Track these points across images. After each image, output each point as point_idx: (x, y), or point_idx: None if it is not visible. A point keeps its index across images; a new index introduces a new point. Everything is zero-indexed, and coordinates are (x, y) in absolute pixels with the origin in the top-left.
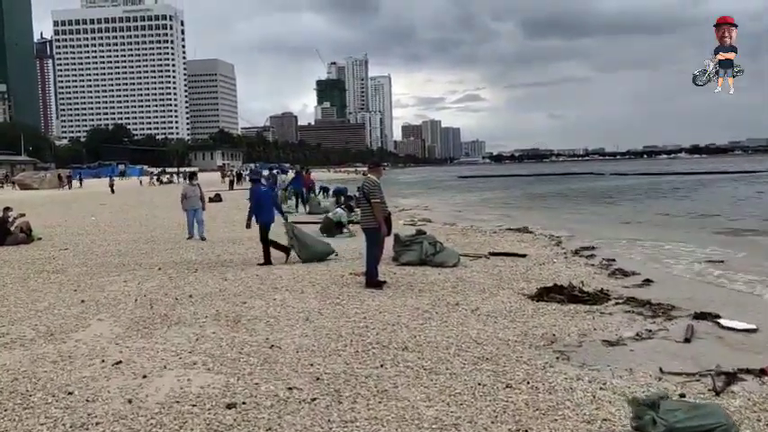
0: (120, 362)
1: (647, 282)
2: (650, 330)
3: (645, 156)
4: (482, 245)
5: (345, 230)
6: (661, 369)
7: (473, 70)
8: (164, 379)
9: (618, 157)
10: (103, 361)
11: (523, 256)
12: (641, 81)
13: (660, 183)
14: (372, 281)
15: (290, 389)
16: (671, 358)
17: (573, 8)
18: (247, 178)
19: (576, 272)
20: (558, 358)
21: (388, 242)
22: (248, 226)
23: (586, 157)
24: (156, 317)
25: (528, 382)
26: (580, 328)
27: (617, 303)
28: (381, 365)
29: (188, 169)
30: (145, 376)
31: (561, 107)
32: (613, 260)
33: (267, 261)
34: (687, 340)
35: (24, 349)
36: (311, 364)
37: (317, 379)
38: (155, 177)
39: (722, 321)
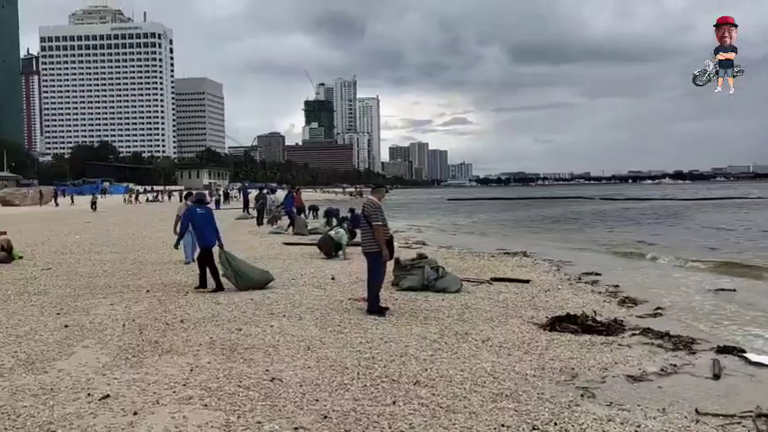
0: (108, 396)
1: (659, 310)
2: (675, 365)
3: (630, 180)
4: (482, 269)
5: (341, 253)
6: (697, 410)
7: (461, 94)
8: (156, 416)
9: (603, 181)
10: (89, 395)
11: (527, 281)
12: (627, 108)
13: (653, 207)
14: (375, 307)
15: (295, 429)
16: (703, 397)
17: (560, 35)
18: (188, 200)
19: (584, 299)
20: (582, 395)
21: (389, 266)
22: (176, 246)
23: (572, 181)
24: (146, 344)
25: (555, 423)
26: (600, 361)
27: (633, 334)
28: (393, 402)
29: (172, 188)
30: (135, 413)
31: (548, 131)
32: (617, 286)
33: (202, 284)
34: (716, 376)
35: (2, 379)
36: (317, 400)
37: (325, 417)
38: (133, 195)
39: (749, 356)
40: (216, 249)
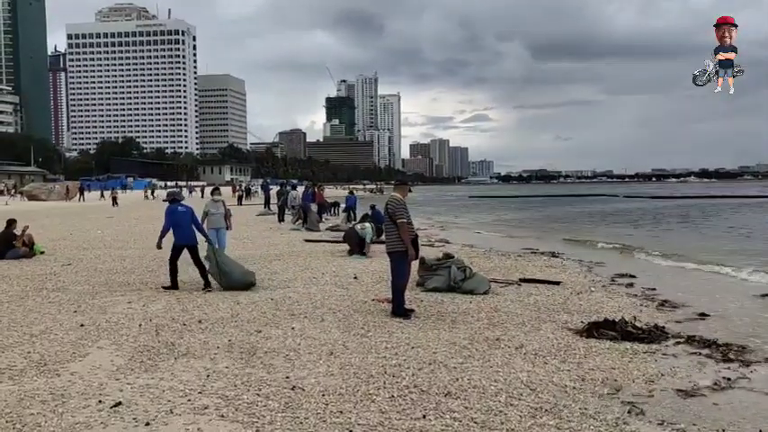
0: (120, 403)
1: (703, 316)
2: (728, 379)
3: (654, 179)
4: (509, 270)
5: (364, 252)
6: None
7: (482, 90)
8: (169, 427)
9: (626, 179)
10: (101, 401)
11: (558, 283)
12: (650, 105)
13: (678, 206)
14: (400, 310)
15: None
16: (767, 416)
17: (582, 31)
18: (165, 197)
19: (619, 303)
20: (629, 412)
21: (413, 266)
22: (159, 246)
23: (594, 179)
24: (162, 346)
25: None
26: (644, 372)
27: (678, 342)
28: (424, 416)
29: (194, 183)
30: (148, 423)
31: (570, 129)
32: (654, 289)
33: (173, 285)
34: None
35: (13, 383)
36: (341, 412)
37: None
38: (148, 190)
39: None
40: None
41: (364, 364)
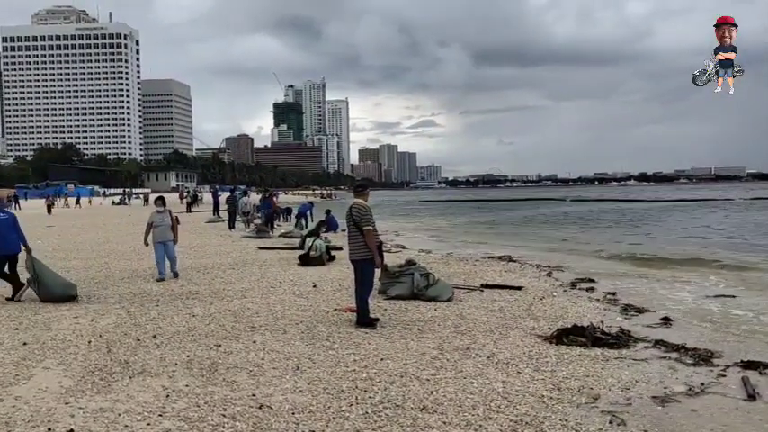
0: (72, 430)
1: (666, 321)
2: (702, 384)
3: (596, 182)
4: (470, 275)
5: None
6: None
7: (427, 96)
8: None
9: (570, 183)
10: (50, 429)
11: (519, 288)
12: (590, 110)
13: (623, 210)
14: (365, 319)
15: None
16: (744, 421)
17: (522, 38)
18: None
19: (583, 308)
20: (611, 422)
21: (376, 274)
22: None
23: (539, 183)
24: (115, 364)
25: None
26: (619, 379)
27: (646, 347)
28: None
29: (139, 190)
30: None
31: (514, 134)
32: (614, 293)
33: (16, 291)
34: (751, 397)
35: None
36: (313, 431)
37: None
38: (58, 198)
39: None
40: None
41: (333, 379)
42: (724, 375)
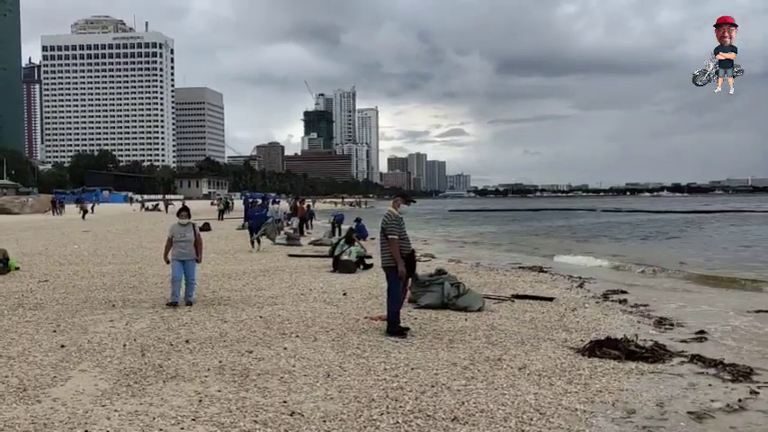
0: None
1: (702, 334)
2: (740, 400)
3: (627, 193)
4: (500, 285)
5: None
6: None
7: (454, 105)
8: None
9: (601, 193)
10: None
11: (551, 299)
12: (621, 120)
13: (659, 220)
14: (395, 328)
15: None
16: None
17: (551, 47)
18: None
19: (616, 320)
20: None
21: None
22: None
23: (570, 193)
24: (149, 368)
25: None
26: (655, 394)
27: (683, 362)
28: None
29: (172, 197)
30: None
31: (543, 143)
32: (648, 305)
33: None
34: None
35: None
36: None
37: None
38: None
39: None
40: None
41: (364, 387)
42: (764, 392)
